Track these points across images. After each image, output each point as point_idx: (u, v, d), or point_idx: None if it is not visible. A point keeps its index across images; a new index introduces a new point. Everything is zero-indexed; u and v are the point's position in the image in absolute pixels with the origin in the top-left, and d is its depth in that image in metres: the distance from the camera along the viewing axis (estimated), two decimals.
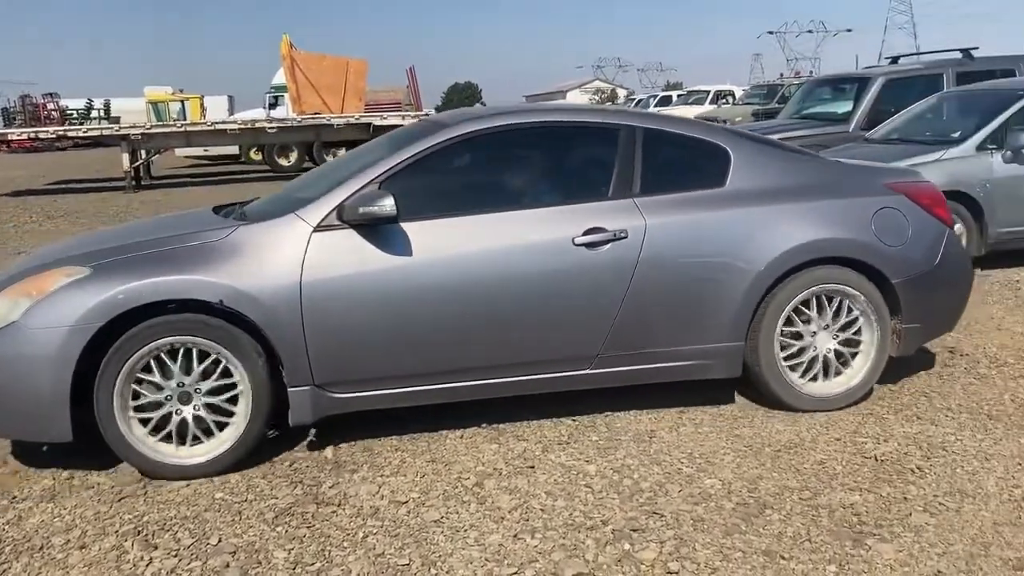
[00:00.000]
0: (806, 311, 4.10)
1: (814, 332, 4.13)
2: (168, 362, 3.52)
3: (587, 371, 3.95)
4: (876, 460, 3.57)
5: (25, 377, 3.39)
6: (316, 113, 21.34)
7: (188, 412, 3.58)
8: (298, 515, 3.24)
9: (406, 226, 3.70)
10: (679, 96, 32.40)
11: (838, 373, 4.19)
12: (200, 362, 3.55)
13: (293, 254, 3.60)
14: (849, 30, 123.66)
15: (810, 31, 78.14)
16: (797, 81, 23.77)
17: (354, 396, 3.73)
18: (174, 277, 3.47)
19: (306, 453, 3.80)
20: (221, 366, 3.56)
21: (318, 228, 3.65)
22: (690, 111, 25.39)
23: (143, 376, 3.51)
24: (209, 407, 3.60)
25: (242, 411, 3.60)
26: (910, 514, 3.09)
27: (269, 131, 20.42)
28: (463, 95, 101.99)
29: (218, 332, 3.51)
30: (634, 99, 41.28)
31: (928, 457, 3.58)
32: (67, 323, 3.38)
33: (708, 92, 28.80)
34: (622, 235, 3.86)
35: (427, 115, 22.26)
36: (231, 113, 27.97)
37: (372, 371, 3.71)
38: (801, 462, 3.57)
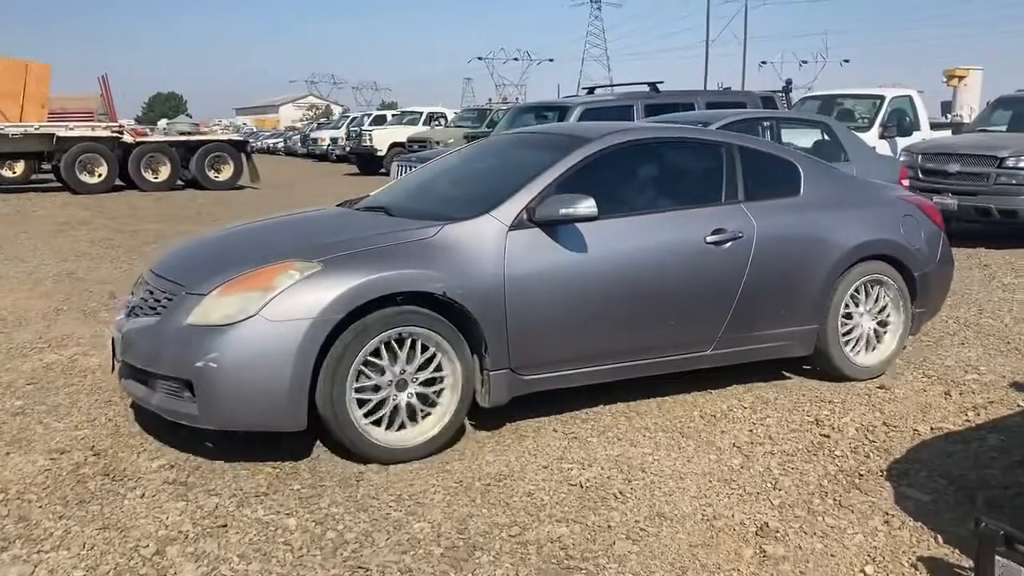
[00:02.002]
0: (858, 295, 4.99)
1: (861, 313, 5.03)
2: (394, 351, 3.78)
3: (708, 352, 4.60)
4: (581, 487, 3.58)
5: (269, 369, 3.56)
6: None
7: (403, 398, 3.83)
8: None
9: (580, 226, 4.16)
10: (393, 116, 32.49)
11: (870, 350, 5.09)
12: (414, 351, 3.82)
13: (496, 250, 4.00)
14: (551, 60, 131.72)
15: (516, 59, 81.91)
16: (505, 106, 24.64)
17: (538, 377, 4.16)
18: (406, 271, 3.81)
19: None
20: (428, 353, 3.86)
21: (512, 227, 4.07)
22: (404, 131, 25.53)
23: (369, 363, 3.74)
24: (420, 394, 3.88)
25: (449, 397, 3.93)
26: (614, 543, 3.11)
27: None
28: (166, 105, 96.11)
29: (435, 322, 3.83)
30: (349, 116, 40.93)
31: (629, 480, 3.65)
32: (310, 316, 3.57)
33: (422, 113, 29.08)
34: (739, 235, 4.57)
35: (122, 126, 20.57)
36: None
37: (554, 354, 4.18)
38: (510, 495, 3.50)
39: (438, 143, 20.24)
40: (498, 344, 3.96)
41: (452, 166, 5.46)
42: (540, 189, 4.18)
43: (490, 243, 4.00)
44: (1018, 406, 4.56)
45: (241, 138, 22.41)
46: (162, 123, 25.04)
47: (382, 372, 3.76)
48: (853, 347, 5.01)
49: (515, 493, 3.52)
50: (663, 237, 4.43)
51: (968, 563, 2.92)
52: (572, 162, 4.35)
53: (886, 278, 5.04)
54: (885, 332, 5.12)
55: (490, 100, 41.96)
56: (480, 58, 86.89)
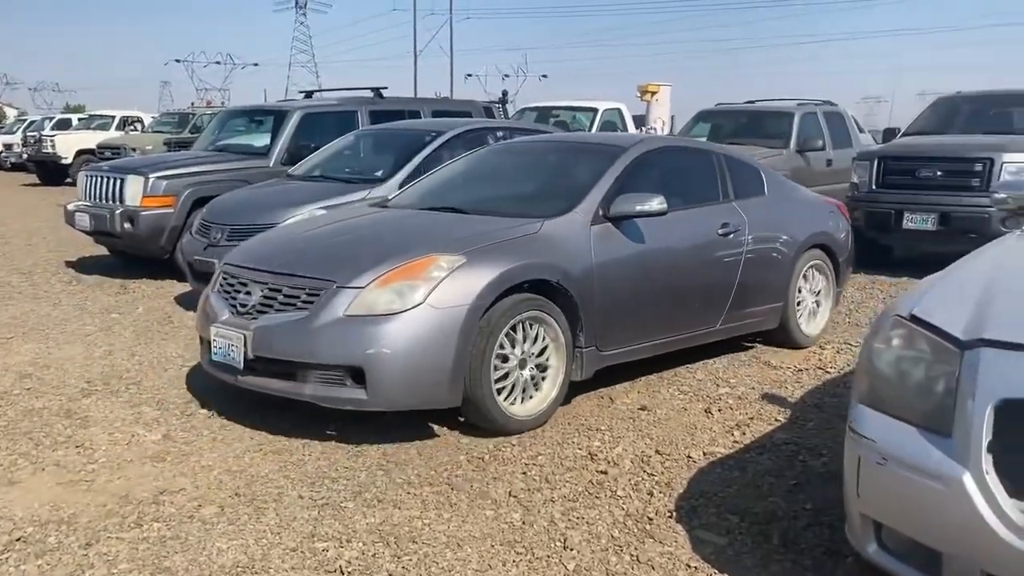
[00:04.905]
0: (803, 277, 5.94)
1: (806, 292, 6.01)
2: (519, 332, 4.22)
3: (717, 327, 5.34)
4: (342, 573, 2.93)
5: (436, 352, 3.89)
6: None
7: (525, 375, 4.25)
8: None
9: (638, 221, 4.74)
10: (80, 120, 29.19)
11: (813, 321, 6.13)
12: (529, 333, 4.23)
13: (584, 243, 4.51)
14: (256, 64, 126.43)
15: (218, 62, 77.00)
16: (210, 111, 22.89)
17: (612, 353, 4.70)
18: (531, 261, 4.25)
19: None
20: (535, 333, 4.26)
21: (592, 222, 4.61)
22: (93, 137, 22.92)
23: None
24: (537, 367, 4.30)
25: (555, 373, 4.36)
26: None
27: None
28: None
29: (548, 306, 4.28)
30: (26, 119, 36.39)
31: (399, 556, 3.04)
32: (468, 302, 3.96)
33: (114, 117, 26.30)
34: (738, 228, 5.39)
35: None
36: None
37: (624, 332, 4.73)
38: None
39: (134, 150, 18.27)
40: (590, 324, 4.46)
41: (478, 169, 5.80)
42: (606, 190, 4.77)
43: (580, 236, 4.53)
44: (776, 421, 4.51)
45: None
46: None
47: (504, 358, 4.14)
48: (804, 319, 6.00)
49: None
50: (692, 230, 5.18)
51: None
52: (622, 166, 4.98)
53: (822, 263, 6.09)
54: (819, 307, 6.18)
55: (192, 104, 39.02)
56: (178, 60, 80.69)
